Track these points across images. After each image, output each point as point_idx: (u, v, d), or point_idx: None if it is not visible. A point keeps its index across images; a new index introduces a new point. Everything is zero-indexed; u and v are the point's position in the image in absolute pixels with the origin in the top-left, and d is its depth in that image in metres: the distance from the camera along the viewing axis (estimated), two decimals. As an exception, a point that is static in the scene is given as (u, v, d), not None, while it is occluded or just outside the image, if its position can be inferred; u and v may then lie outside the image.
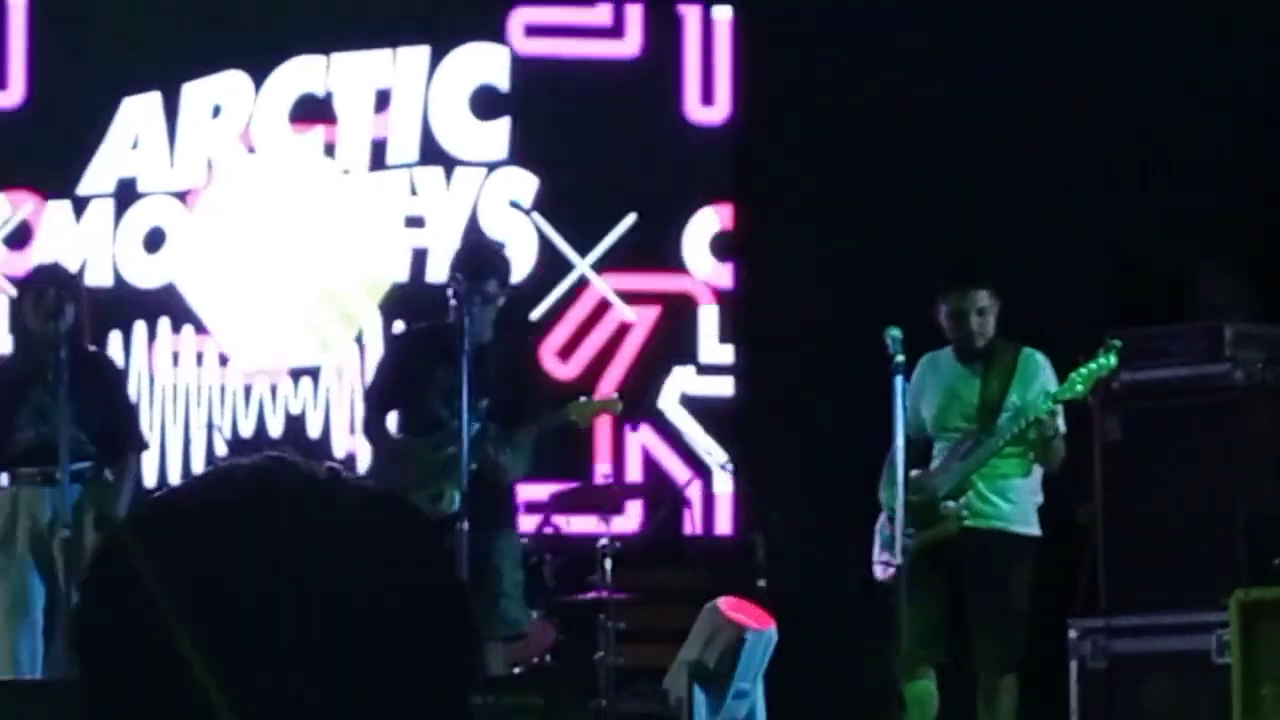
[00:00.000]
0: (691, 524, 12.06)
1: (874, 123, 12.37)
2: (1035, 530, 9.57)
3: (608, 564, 10.59)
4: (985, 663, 9.56)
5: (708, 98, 12.72)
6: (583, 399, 10.39)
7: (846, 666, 11.01)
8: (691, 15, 12.73)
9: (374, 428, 10.17)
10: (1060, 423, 9.42)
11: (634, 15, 12.68)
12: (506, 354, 9.90)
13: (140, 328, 12.23)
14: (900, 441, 9.52)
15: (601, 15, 12.67)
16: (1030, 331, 9.88)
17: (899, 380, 9.24)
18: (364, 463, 11.40)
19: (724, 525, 12.32)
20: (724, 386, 12.59)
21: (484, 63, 12.55)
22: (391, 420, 10.17)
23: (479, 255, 10.37)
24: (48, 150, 12.38)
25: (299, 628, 1.83)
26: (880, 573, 9.61)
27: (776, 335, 12.52)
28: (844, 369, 10.90)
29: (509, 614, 9.75)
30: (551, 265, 12.54)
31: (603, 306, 12.62)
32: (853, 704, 10.74)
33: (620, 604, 10.66)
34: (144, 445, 10.79)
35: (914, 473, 9.76)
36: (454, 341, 9.61)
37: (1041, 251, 11.84)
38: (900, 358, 9.31)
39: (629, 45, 12.68)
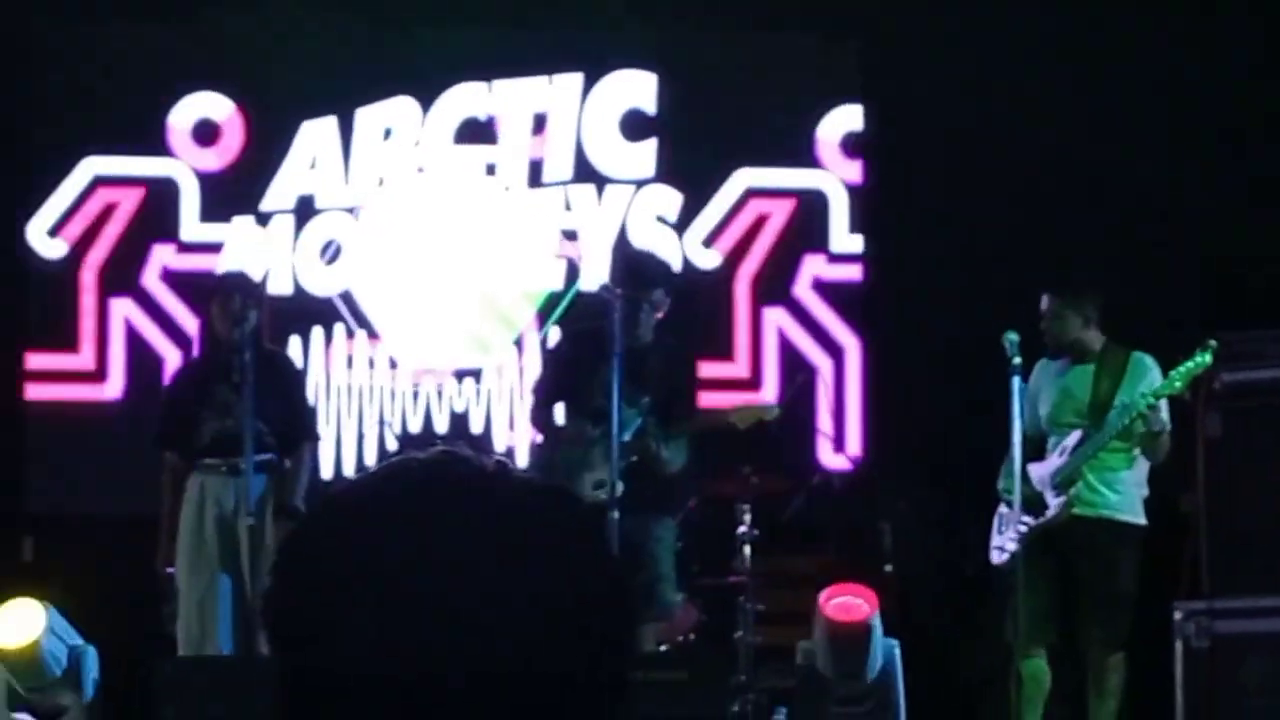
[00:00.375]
0: (827, 397, 11.95)
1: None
2: (1140, 519, 9.74)
3: (746, 550, 10.58)
4: (1093, 642, 9.71)
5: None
6: (745, 405, 10.55)
7: (966, 646, 11.06)
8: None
9: (540, 418, 10.36)
10: (1165, 418, 9.54)
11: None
12: (666, 356, 10.05)
13: (318, 333, 12.34)
14: (1018, 437, 9.63)
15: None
16: (1141, 334, 10.01)
17: (1016, 380, 9.47)
18: (522, 456, 11.53)
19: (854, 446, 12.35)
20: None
21: (633, 88, 12.59)
22: (559, 415, 10.34)
23: (645, 266, 10.58)
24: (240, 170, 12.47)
25: (468, 609, 1.78)
26: (997, 558, 9.81)
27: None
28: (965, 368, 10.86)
29: (664, 597, 10.01)
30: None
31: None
32: (972, 681, 10.84)
33: (758, 587, 10.62)
34: (318, 437, 11.09)
35: (1030, 465, 9.81)
36: (613, 343, 9.84)
37: (1152, 259, 11.80)
38: (1017, 360, 9.55)
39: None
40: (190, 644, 9.96)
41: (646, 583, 9.69)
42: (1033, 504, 9.77)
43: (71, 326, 12.27)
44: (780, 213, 12.58)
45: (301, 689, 1.80)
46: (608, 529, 9.10)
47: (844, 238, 12.58)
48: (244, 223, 12.34)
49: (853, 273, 12.64)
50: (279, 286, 12.14)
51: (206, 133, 12.36)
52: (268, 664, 9.53)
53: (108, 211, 12.30)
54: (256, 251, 12.25)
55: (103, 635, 9.32)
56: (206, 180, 12.33)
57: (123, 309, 12.29)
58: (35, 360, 12.27)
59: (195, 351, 11.22)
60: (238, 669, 9.65)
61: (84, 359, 12.28)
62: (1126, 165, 12.12)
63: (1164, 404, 9.60)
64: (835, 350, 12.58)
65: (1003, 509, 9.88)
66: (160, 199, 12.37)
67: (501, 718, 1.78)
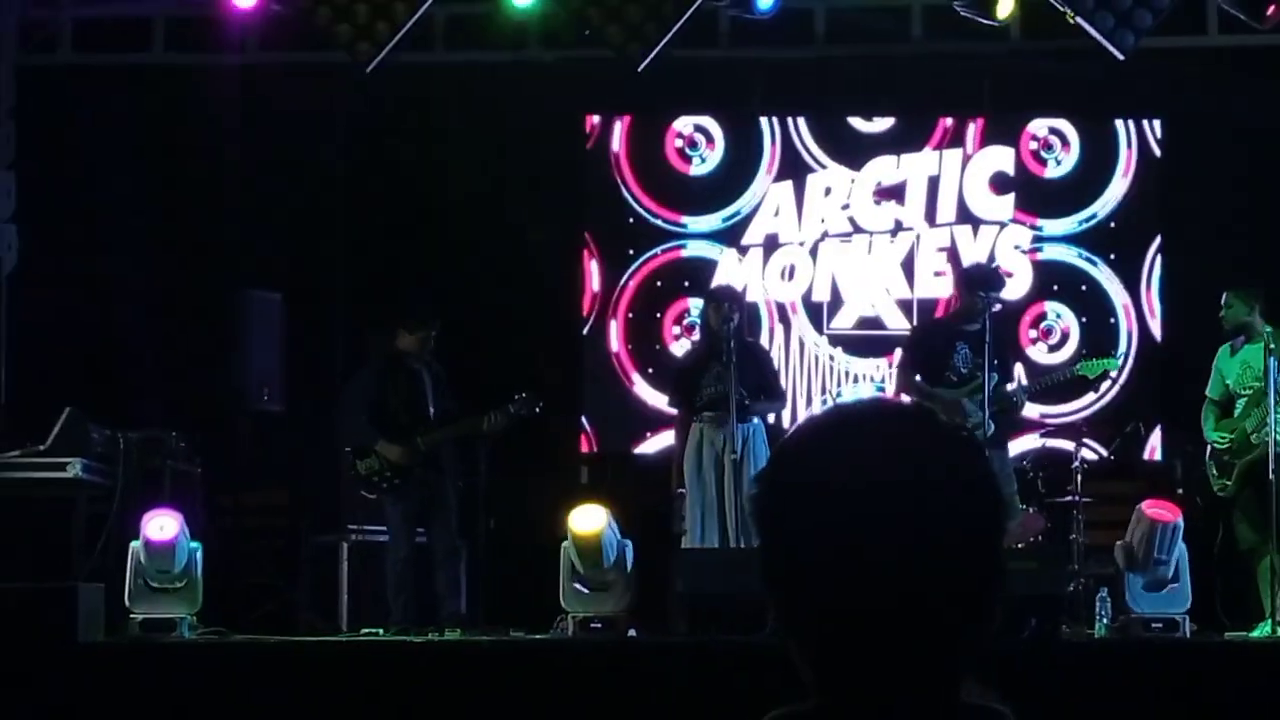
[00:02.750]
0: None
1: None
2: None
3: (1078, 478, 10.61)
4: None
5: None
6: (1092, 360, 10.59)
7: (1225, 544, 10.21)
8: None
9: (903, 383, 10.35)
10: None
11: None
12: (996, 333, 10.08)
13: (779, 330, 12.37)
14: (1214, 395, 9.96)
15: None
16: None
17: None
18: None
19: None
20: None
21: (997, 159, 12.47)
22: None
23: (994, 276, 10.66)
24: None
25: (901, 512, 1.70)
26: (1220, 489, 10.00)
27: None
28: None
29: (1014, 507, 10.09)
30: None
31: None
32: (1229, 566, 10.17)
33: (1087, 504, 10.60)
34: (784, 397, 11.20)
35: (1225, 420, 9.99)
36: (962, 327, 10.20)
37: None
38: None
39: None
40: (694, 541, 10.19)
41: (1008, 496, 9.65)
42: (1239, 446, 9.86)
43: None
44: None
45: (778, 570, 1.76)
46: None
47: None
48: (729, 253, 12.41)
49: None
50: (753, 295, 12.16)
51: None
52: (747, 553, 10.20)
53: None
54: (739, 272, 12.32)
55: (633, 536, 9.50)
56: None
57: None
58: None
59: (698, 339, 10.96)
60: (727, 556, 9.81)
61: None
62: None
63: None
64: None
65: (1210, 451, 10.00)
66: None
67: (924, 594, 1.71)
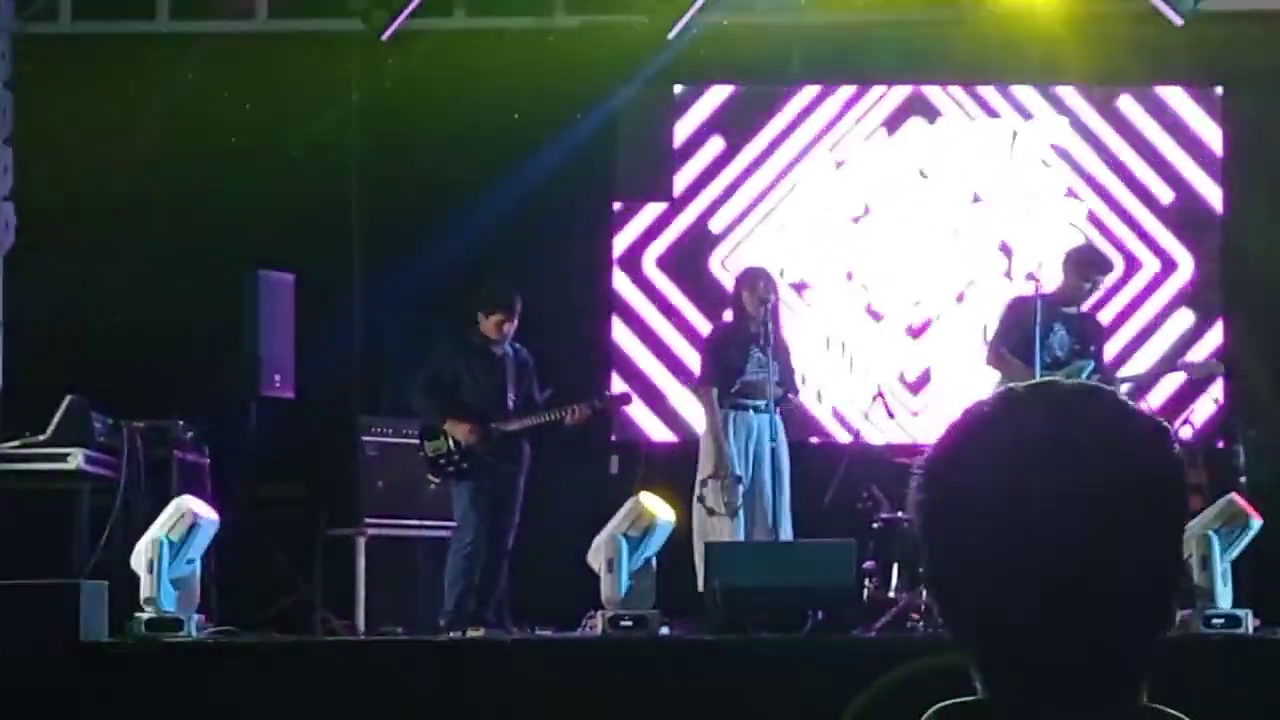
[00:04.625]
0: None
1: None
2: None
3: None
4: None
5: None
6: (1199, 363, 10.99)
7: None
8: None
9: (995, 359, 10.36)
10: None
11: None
12: (1096, 320, 10.53)
13: (816, 304, 12.36)
14: None
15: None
16: None
17: None
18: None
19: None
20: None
21: (1053, 132, 12.44)
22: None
23: (1096, 258, 10.73)
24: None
25: (1079, 496, 1.68)
26: None
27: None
28: None
29: None
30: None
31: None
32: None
33: None
34: (799, 391, 10.98)
35: None
36: (1062, 309, 10.25)
37: None
38: None
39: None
40: (739, 530, 10.23)
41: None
42: None
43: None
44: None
45: (942, 569, 1.74)
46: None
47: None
48: (763, 228, 12.45)
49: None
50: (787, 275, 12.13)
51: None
52: (783, 547, 10.19)
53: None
54: (769, 249, 12.32)
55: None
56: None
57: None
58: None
59: (729, 319, 10.79)
60: (762, 549, 9.93)
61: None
62: None
63: None
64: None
65: None
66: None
67: (1102, 595, 1.70)
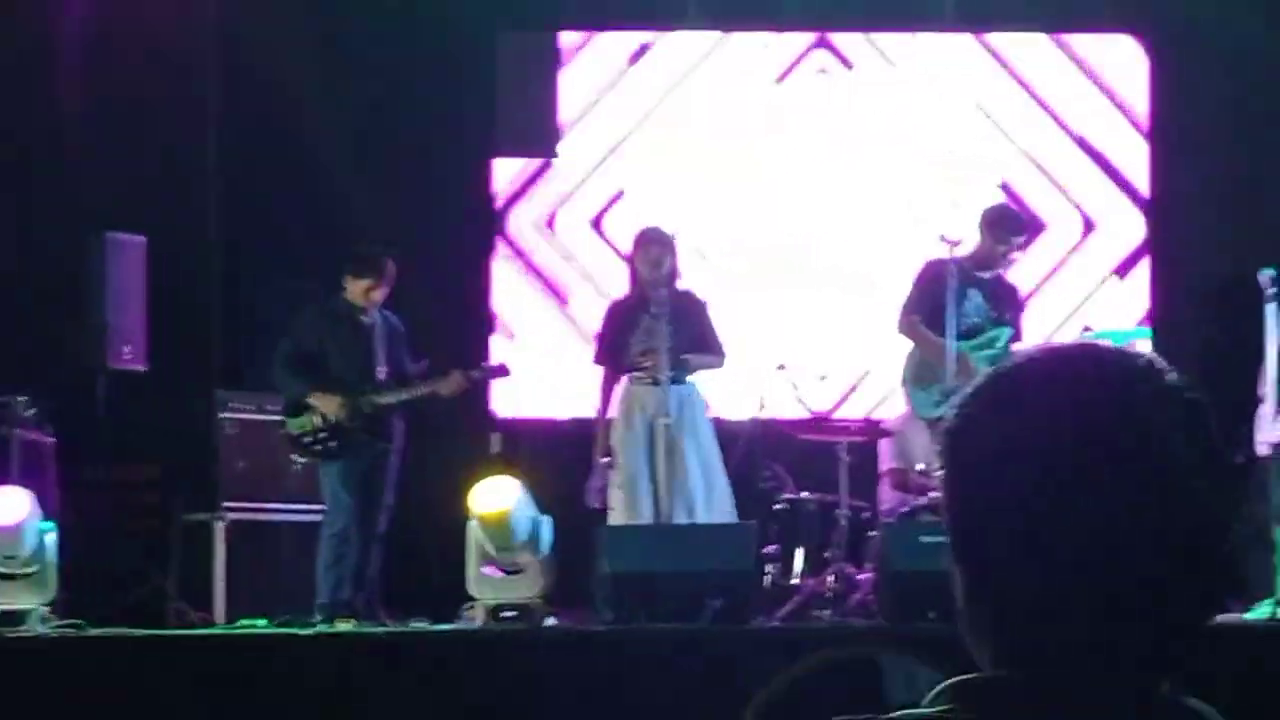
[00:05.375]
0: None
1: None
2: None
3: None
4: None
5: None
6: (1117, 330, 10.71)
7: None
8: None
9: (906, 327, 10.37)
10: None
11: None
12: (1011, 285, 10.43)
13: (718, 273, 12.33)
14: (1272, 352, 9.70)
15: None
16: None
17: (1271, 308, 9.66)
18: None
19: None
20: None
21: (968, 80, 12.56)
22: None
23: (1021, 219, 10.73)
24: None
25: (1109, 486, 1.67)
26: (1262, 450, 9.94)
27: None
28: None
29: None
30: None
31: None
32: (1236, 544, 10.85)
33: None
34: (723, 353, 10.77)
35: None
36: (976, 272, 10.23)
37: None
38: (1274, 290, 9.60)
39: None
40: (620, 515, 10.21)
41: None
42: None
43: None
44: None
45: (966, 534, 1.74)
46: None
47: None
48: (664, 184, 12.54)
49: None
50: (689, 238, 11.68)
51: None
52: (680, 530, 10.14)
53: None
54: (673, 208, 12.29)
55: (552, 512, 9.54)
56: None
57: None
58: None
59: (627, 289, 10.66)
60: (657, 534, 9.88)
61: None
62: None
63: None
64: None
65: (1262, 409, 9.91)
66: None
67: (1135, 573, 1.69)
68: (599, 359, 10.63)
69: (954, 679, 1.75)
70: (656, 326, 10.21)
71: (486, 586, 9.34)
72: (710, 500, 10.23)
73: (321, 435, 10.36)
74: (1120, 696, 1.71)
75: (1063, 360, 1.77)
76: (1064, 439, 1.70)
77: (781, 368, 11.34)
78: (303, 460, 10.51)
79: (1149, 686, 1.72)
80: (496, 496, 9.26)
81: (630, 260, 10.63)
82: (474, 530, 9.36)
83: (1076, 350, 1.78)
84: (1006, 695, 1.72)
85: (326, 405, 10.33)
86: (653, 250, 10.39)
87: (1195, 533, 1.70)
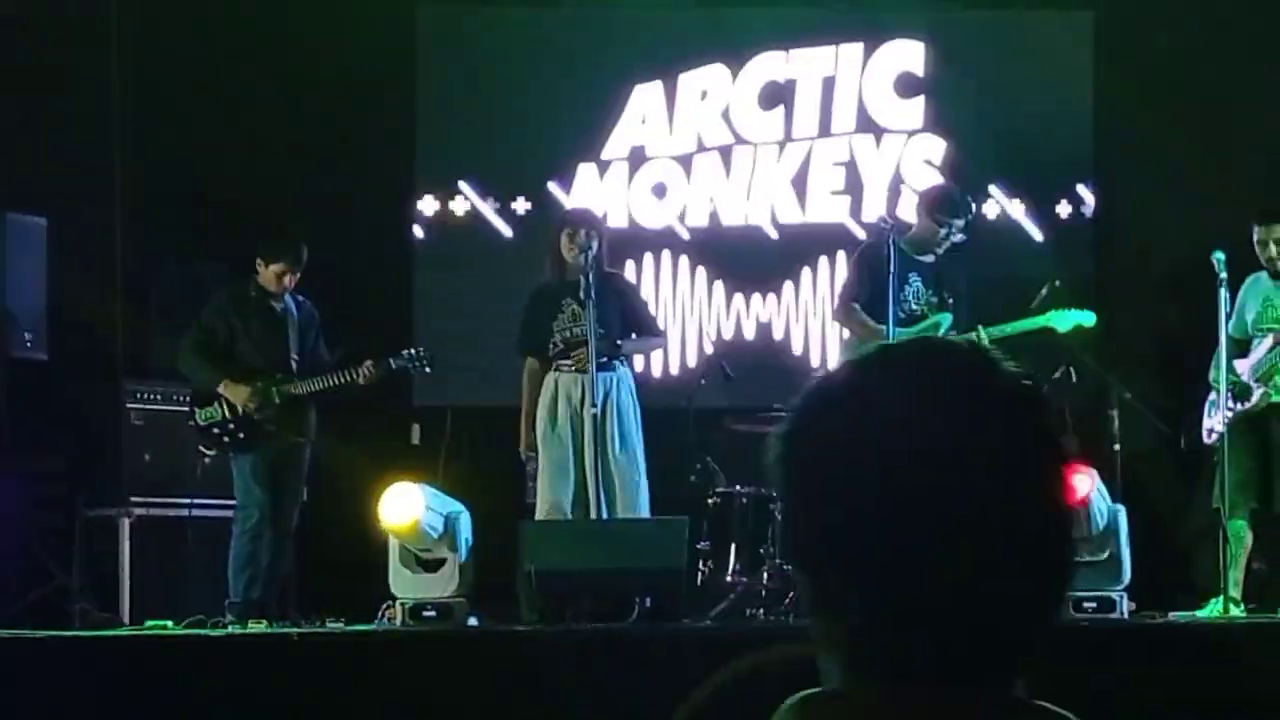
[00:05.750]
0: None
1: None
2: None
3: None
4: None
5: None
6: (1066, 311, 10.47)
7: (1182, 511, 11.04)
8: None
9: (843, 314, 10.35)
10: None
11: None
12: (954, 269, 10.31)
13: (648, 258, 12.56)
14: (1224, 338, 9.81)
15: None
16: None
17: (1223, 292, 9.73)
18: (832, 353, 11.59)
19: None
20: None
21: (905, 55, 12.72)
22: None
23: (953, 199, 10.51)
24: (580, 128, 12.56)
25: (944, 459, 1.69)
26: (1208, 438, 10.06)
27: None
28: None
29: None
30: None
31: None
32: (1187, 539, 10.87)
33: None
34: (661, 333, 11.05)
35: (1236, 361, 10.01)
36: (916, 256, 10.16)
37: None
38: (1224, 274, 9.67)
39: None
40: (545, 511, 10.14)
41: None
42: (1239, 392, 9.94)
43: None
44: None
45: (801, 540, 1.75)
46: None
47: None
48: (587, 169, 12.59)
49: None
50: (615, 221, 12.21)
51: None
52: (607, 526, 10.23)
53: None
54: (597, 192, 12.50)
55: (475, 503, 9.52)
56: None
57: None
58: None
59: (547, 274, 10.53)
60: (584, 530, 9.87)
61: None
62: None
63: None
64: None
65: (1212, 396, 10.01)
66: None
67: (976, 575, 1.69)
68: (522, 346, 10.52)
69: (802, 693, 1.74)
70: (582, 312, 10.09)
71: (405, 585, 9.30)
72: (634, 494, 10.14)
73: (230, 426, 10.31)
74: (972, 702, 1.71)
75: (894, 361, 1.78)
76: (898, 444, 1.71)
77: (714, 355, 11.30)
78: (212, 453, 10.46)
79: (1000, 690, 1.73)
80: (403, 506, 9.17)
81: (554, 242, 10.47)
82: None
83: (908, 349, 1.80)
84: (857, 710, 1.73)
85: (235, 395, 10.26)
86: (580, 233, 10.26)
87: (1035, 529, 1.72)
